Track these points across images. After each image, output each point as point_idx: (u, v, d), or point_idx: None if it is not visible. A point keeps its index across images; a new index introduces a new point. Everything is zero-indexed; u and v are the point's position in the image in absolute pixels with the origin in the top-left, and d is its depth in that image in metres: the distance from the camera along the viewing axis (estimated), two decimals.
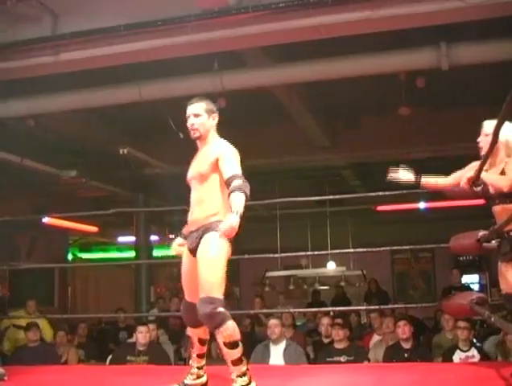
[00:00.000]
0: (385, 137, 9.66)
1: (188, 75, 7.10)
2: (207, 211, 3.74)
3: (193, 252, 3.73)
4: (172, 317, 9.55)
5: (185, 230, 3.96)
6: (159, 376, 4.60)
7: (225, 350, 3.53)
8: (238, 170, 3.66)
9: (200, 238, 3.67)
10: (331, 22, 5.53)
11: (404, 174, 4.36)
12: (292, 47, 6.37)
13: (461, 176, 4.09)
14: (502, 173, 3.86)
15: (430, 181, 4.37)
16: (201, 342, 3.99)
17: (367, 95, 8.62)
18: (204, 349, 4.01)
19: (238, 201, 3.46)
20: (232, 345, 3.49)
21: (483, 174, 3.84)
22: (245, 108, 8.57)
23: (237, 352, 3.52)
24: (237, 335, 3.52)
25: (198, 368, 3.98)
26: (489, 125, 3.87)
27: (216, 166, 3.75)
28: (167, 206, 12.49)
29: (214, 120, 3.97)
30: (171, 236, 15.64)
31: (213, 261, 3.56)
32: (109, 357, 7.29)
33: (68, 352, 7.93)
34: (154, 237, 13.65)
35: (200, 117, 3.90)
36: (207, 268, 3.56)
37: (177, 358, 8.17)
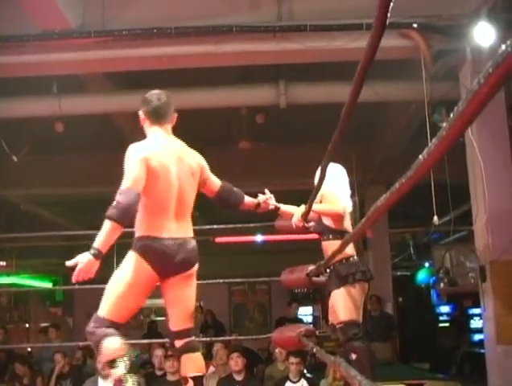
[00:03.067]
0: (224, 170, 9.68)
1: (25, 97, 6.83)
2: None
3: None
4: None
5: None
6: None
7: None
8: (125, 183, 3.09)
9: None
10: (174, 54, 5.57)
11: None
12: (136, 75, 6.34)
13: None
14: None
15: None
16: None
17: (209, 127, 8.72)
18: None
19: (100, 233, 3.04)
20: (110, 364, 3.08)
21: (314, 206, 4.01)
22: (86, 133, 8.38)
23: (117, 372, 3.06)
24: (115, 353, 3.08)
25: None
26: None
27: None
28: None
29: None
30: (2, 263, 14.87)
31: (113, 278, 3.30)
32: None
33: None
34: None
35: None
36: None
37: None
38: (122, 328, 3.22)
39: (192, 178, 3.36)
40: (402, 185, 1.35)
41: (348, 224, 4.06)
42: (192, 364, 3.34)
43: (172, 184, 3.22)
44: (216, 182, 3.62)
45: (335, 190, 4.05)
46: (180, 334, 3.36)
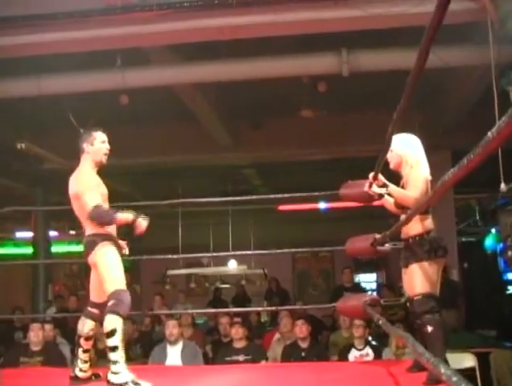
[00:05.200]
0: (287, 138, 9.80)
1: (90, 71, 6.95)
2: None
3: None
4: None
5: (113, 233, 4.20)
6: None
7: None
8: None
9: None
10: (235, 24, 5.56)
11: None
12: (198, 46, 6.37)
13: None
14: (404, 187, 4.03)
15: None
16: None
17: (271, 96, 8.71)
18: None
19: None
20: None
21: (392, 187, 4.06)
22: (149, 105, 8.50)
23: None
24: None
25: None
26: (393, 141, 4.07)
27: None
28: (66, 201, 12.20)
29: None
30: (72, 232, 15.29)
31: None
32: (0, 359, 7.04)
33: None
34: (53, 233, 13.30)
35: None
36: None
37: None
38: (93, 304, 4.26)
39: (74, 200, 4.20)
40: (470, 161, 1.34)
41: None
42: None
43: None
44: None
45: (417, 175, 3.97)
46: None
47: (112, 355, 3.81)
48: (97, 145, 4.28)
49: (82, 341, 4.20)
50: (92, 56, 6.43)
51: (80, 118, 8.07)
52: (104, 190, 4.27)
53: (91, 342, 4.27)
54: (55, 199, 11.96)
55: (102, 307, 4.13)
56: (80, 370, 4.18)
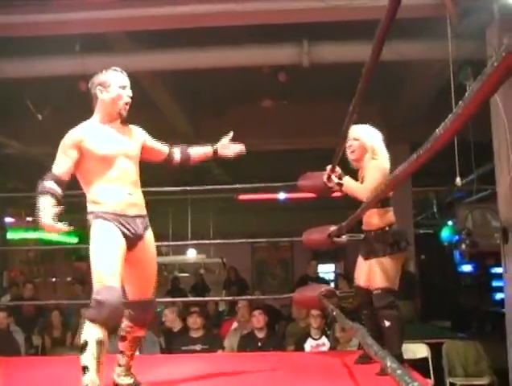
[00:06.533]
0: (248, 128, 9.77)
1: (50, 56, 6.85)
2: (142, 198, 3.36)
3: (136, 239, 3.26)
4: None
5: (117, 210, 3.18)
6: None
7: None
8: None
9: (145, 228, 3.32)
10: (195, 12, 5.54)
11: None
12: (158, 34, 6.32)
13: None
14: (363, 179, 4.02)
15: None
16: None
17: (233, 85, 8.69)
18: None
19: None
20: None
21: (345, 179, 4.05)
22: None
23: None
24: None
25: None
26: (356, 130, 4.04)
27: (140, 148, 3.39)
28: (23, 187, 12.03)
29: None
30: (29, 219, 15.07)
31: None
32: None
33: None
34: (9, 219, 13.10)
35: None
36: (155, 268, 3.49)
37: (28, 347, 7.88)
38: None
39: None
40: (419, 156, 1.35)
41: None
42: None
43: None
44: None
45: (377, 166, 3.94)
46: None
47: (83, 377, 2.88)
48: (114, 90, 3.20)
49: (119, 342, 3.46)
50: (52, 41, 6.33)
51: (39, 104, 7.96)
52: (108, 150, 3.19)
53: (126, 344, 3.44)
54: (12, 185, 11.80)
55: (133, 306, 3.36)
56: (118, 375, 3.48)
